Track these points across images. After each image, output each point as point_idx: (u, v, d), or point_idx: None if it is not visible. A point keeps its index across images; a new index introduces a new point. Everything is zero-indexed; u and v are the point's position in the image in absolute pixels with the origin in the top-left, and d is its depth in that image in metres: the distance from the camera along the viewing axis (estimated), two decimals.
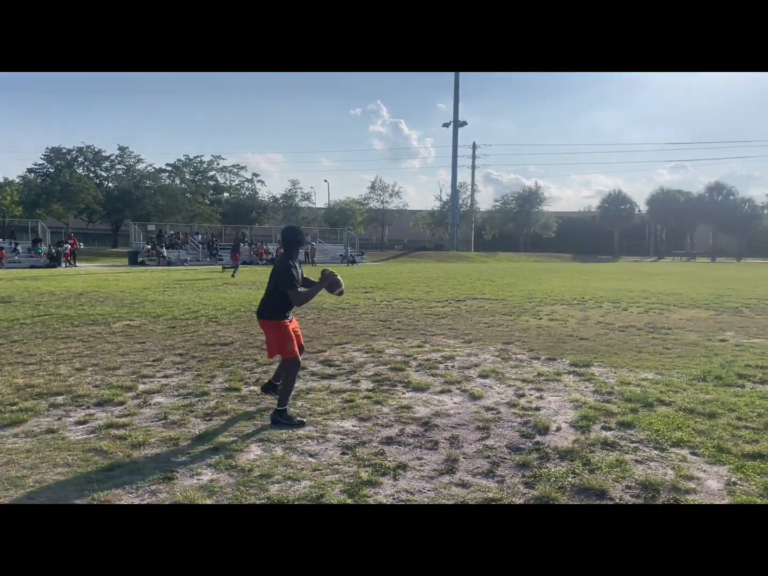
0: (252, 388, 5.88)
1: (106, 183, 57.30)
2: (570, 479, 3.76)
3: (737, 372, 6.69)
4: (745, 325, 10.61)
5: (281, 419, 4.78)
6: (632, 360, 7.43)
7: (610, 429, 4.75)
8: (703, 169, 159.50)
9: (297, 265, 5.03)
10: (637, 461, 4.08)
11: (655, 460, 4.10)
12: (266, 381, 5.62)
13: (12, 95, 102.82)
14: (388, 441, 4.47)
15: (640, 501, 3.50)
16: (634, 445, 4.39)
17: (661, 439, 4.49)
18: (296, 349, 5.00)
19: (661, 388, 5.95)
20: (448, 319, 11.12)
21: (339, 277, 5.14)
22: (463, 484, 3.71)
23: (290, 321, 5.05)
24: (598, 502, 3.47)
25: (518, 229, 74.61)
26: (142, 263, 36.21)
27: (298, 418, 4.84)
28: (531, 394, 5.79)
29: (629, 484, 3.71)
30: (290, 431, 4.62)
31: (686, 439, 4.47)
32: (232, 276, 23.09)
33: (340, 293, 5.28)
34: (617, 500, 3.50)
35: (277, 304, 4.96)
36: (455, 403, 5.53)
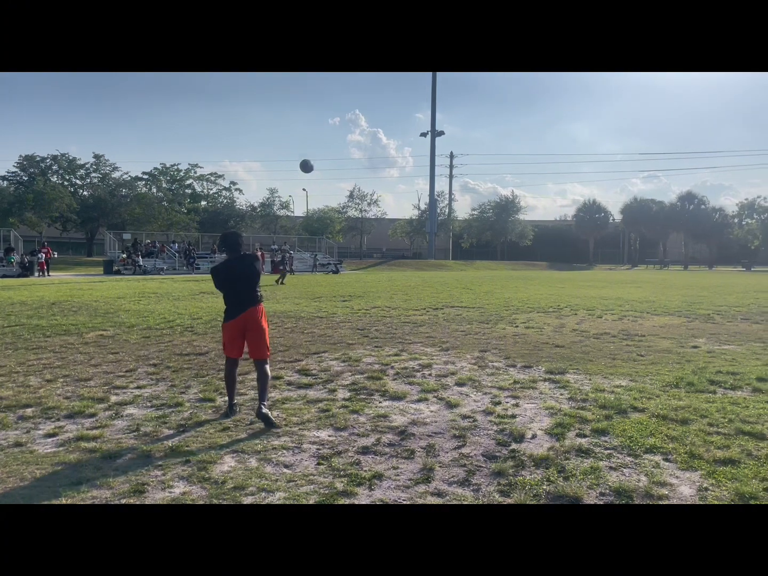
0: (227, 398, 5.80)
1: (81, 191, 56.47)
2: (545, 487, 3.77)
3: (709, 378, 6.79)
4: (716, 332, 10.79)
5: (265, 413, 5.00)
6: (606, 367, 7.50)
7: (584, 436, 4.78)
8: (676, 179, 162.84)
9: None
10: (611, 468, 4.11)
11: (629, 467, 4.13)
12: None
13: None
14: (365, 450, 4.45)
15: (608, 503, 3.52)
16: (608, 451, 4.42)
17: (635, 445, 4.53)
18: None
19: (635, 395, 6.01)
20: (425, 328, 11.14)
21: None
22: (439, 493, 3.70)
23: None
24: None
25: (495, 237, 75.15)
26: (118, 272, 35.78)
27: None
28: (507, 402, 5.81)
29: (603, 491, 3.74)
30: (265, 442, 4.57)
31: (659, 446, 4.52)
32: (281, 282, 25.22)
33: None
34: (589, 504, 3.52)
35: (258, 290, 5.46)
36: (432, 411, 5.52)
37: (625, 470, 4.07)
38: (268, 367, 5.35)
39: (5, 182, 52.11)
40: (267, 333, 5.41)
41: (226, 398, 5.54)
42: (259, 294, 5.43)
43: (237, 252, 5.43)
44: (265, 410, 4.98)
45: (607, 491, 3.72)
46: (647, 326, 11.59)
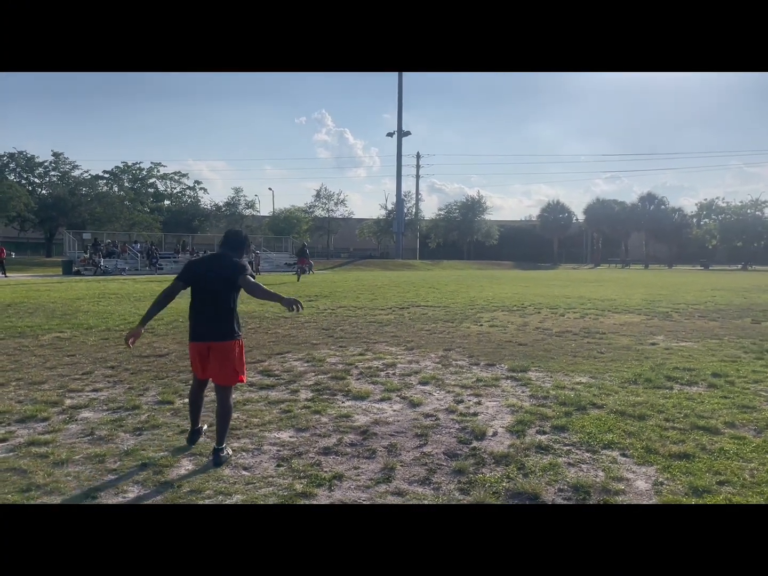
0: (186, 400, 5.68)
1: (40, 190, 54.95)
2: (504, 484, 3.79)
3: (666, 374, 6.94)
4: (674, 330, 11.04)
5: (224, 457, 4.17)
6: (568, 364, 7.61)
7: (544, 433, 4.83)
8: (637, 180, 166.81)
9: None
10: (569, 464, 4.15)
11: (587, 463, 4.18)
12: (190, 432, 4.59)
13: None
14: (326, 451, 4.41)
15: (571, 503, 3.55)
16: (567, 448, 4.47)
17: (593, 441, 4.59)
18: None
19: (594, 392, 6.10)
20: (391, 327, 11.13)
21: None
22: (399, 493, 3.68)
23: None
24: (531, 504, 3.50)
25: (462, 237, 75.69)
26: (78, 273, 34.86)
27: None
28: (469, 400, 5.84)
29: (561, 487, 3.77)
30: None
31: (617, 441, 4.59)
32: (310, 273, 24.60)
33: (291, 308, 4.10)
34: (550, 503, 3.55)
35: (236, 315, 4.31)
36: (395, 410, 5.51)
37: (583, 466, 4.12)
38: (232, 397, 4.34)
39: None
40: (241, 357, 4.33)
41: (185, 401, 5.37)
42: (235, 320, 4.27)
43: (235, 254, 4.39)
44: (223, 455, 4.13)
45: (566, 487, 3.76)
46: (608, 324, 11.79)
